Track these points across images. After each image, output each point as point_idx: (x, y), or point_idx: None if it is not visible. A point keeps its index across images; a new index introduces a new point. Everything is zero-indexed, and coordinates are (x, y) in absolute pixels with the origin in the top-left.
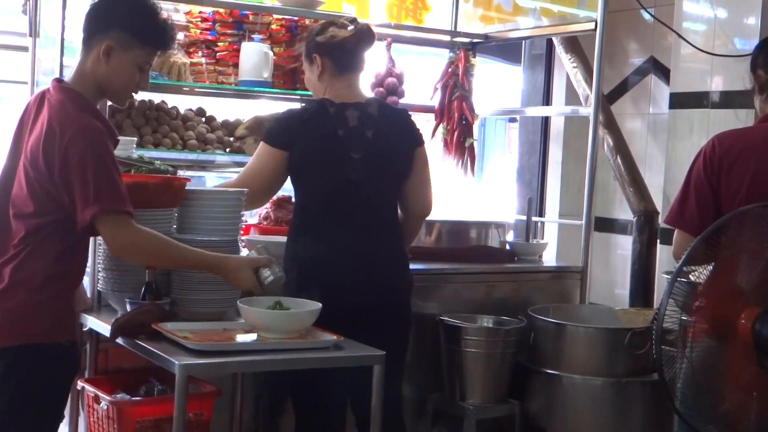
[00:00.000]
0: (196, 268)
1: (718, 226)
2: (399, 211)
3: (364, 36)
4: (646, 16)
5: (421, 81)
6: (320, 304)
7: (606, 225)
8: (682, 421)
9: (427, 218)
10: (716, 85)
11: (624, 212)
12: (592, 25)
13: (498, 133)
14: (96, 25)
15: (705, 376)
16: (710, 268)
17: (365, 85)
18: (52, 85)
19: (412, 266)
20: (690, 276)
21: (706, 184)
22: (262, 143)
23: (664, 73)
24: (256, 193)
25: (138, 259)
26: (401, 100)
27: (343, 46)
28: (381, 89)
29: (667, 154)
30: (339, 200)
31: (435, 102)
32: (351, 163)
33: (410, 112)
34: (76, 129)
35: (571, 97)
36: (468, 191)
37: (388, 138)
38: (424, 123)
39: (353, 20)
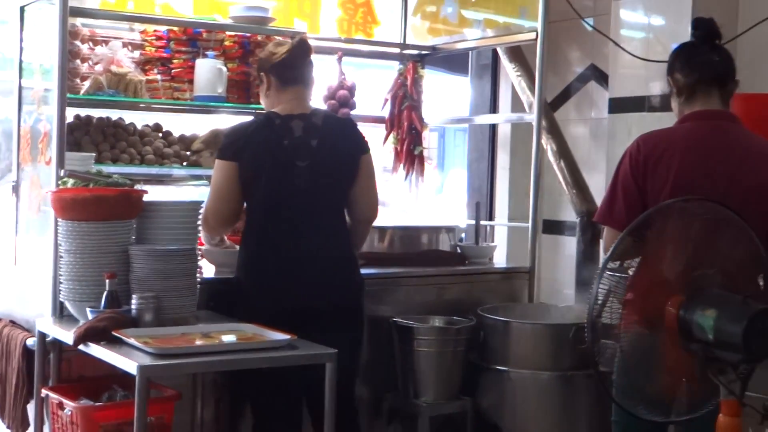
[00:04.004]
0: None
1: (644, 219)
2: (346, 216)
3: (299, 50)
4: (586, 25)
5: (374, 93)
6: None
7: (554, 227)
8: (616, 406)
9: (380, 225)
10: (653, 89)
11: (571, 215)
12: (533, 35)
13: (457, 144)
14: None
15: (635, 362)
16: (637, 261)
17: (316, 99)
18: None
19: (366, 271)
20: (630, 271)
21: (633, 182)
22: (216, 160)
23: (604, 79)
24: (221, 211)
25: None
26: (353, 112)
27: (283, 61)
28: (333, 101)
29: (607, 156)
30: (286, 207)
31: (386, 113)
32: (296, 172)
33: (362, 123)
34: None
35: (517, 104)
36: (425, 200)
37: (333, 146)
38: (376, 133)
39: (293, 36)
